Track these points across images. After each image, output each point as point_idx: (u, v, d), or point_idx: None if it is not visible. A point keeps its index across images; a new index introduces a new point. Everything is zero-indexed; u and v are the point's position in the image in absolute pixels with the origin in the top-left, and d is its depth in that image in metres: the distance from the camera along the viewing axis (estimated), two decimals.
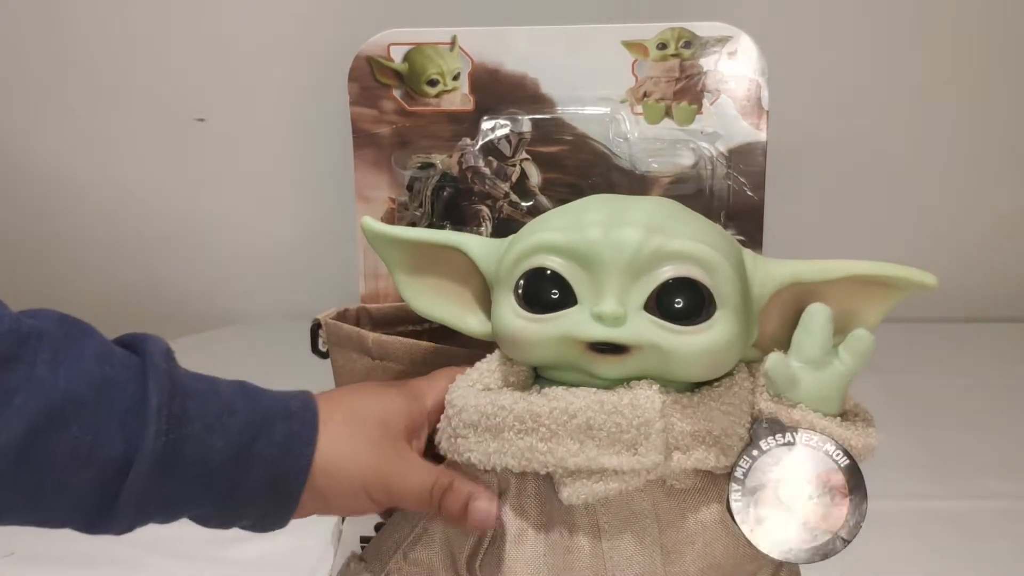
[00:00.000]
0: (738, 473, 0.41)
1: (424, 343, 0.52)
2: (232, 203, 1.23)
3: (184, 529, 0.72)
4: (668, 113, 0.57)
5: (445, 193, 0.59)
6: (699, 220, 0.44)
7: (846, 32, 0.80)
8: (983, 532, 0.71)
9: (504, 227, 0.57)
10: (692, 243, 0.40)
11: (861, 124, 0.81)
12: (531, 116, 0.58)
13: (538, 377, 0.45)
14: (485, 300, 0.46)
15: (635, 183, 0.58)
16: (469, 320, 0.47)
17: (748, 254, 0.44)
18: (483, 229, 0.59)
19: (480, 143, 0.59)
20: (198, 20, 1.14)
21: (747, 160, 0.56)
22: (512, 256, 0.43)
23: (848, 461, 0.41)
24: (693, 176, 0.57)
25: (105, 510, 0.38)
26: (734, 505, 0.41)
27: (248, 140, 1.17)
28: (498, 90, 0.58)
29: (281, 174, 1.20)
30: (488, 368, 0.44)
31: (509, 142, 0.58)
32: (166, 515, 0.41)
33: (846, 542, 0.40)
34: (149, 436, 0.37)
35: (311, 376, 0.59)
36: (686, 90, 0.57)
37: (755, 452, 0.41)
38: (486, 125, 0.59)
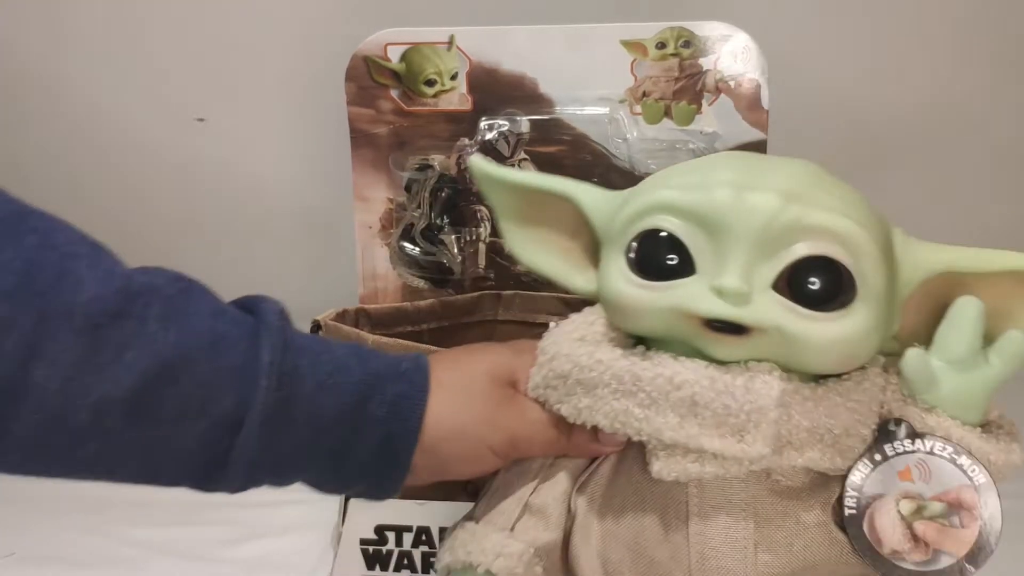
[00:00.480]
0: (855, 478, 0.37)
1: (422, 345, 0.52)
2: (230, 203, 1.24)
3: (184, 529, 0.72)
4: (667, 113, 0.57)
5: (443, 193, 0.59)
6: (846, 190, 0.37)
7: (846, 31, 0.80)
8: None
9: None
10: (837, 217, 0.35)
11: (861, 123, 0.81)
12: (529, 116, 0.58)
13: (640, 342, 0.40)
14: (595, 256, 0.42)
15: (634, 182, 0.57)
16: (576, 278, 0.42)
17: (898, 234, 0.39)
18: (482, 229, 0.59)
19: (478, 143, 0.59)
20: (196, 20, 1.14)
21: None
22: (627, 213, 0.38)
23: (984, 479, 0.36)
24: None
25: (217, 467, 0.38)
26: (847, 513, 0.37)
27: (245, 140, 1.17)
28: (496, 90, 0.58)
29: (278, 174, 1.20)
30: (586, 320, 0.40)
31: (508, 142, 0.58)
32: (278, 476, 0.40)
33: (969, 570, 0.36)
34: (260, 391, 0.37)
35: None
36: (685, 90, 0.56)
37: (877, 457, 0.37)
38: (484, 125, 0.59)
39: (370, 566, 0.56)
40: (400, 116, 0.58)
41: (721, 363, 0.36)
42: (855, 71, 0.80)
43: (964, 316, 0.37)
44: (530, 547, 0.40)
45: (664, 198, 0.37)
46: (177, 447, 0.37)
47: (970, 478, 0.36)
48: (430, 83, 0.58)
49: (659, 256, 0.36)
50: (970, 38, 0.79)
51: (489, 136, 0.58)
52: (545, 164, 0.58)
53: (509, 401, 0.41)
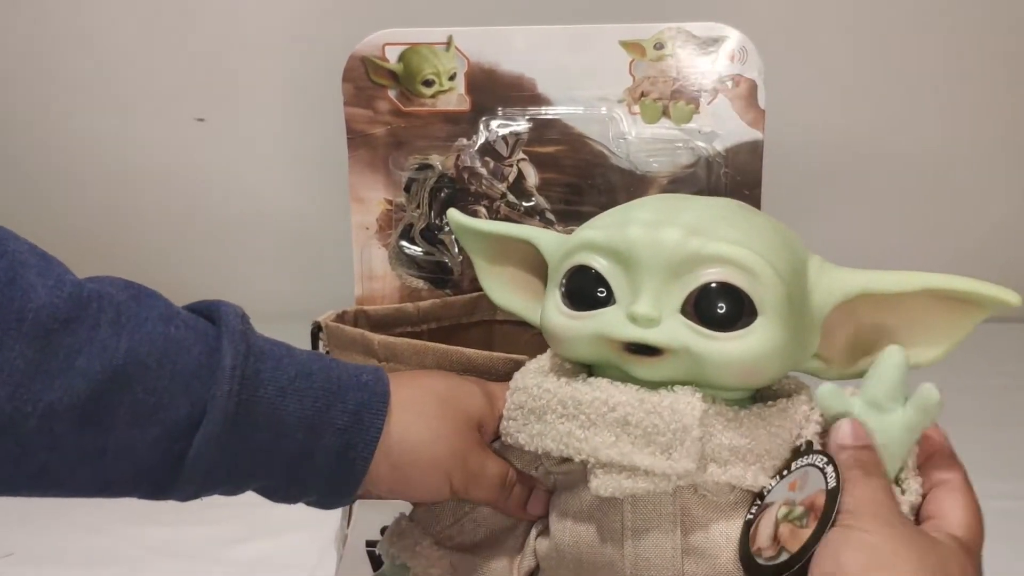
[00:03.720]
0: (764, 491, 0.40)
1: (432, 344, 0.52)
2: (227, 203, 1.23)
3: (184, 529, 0.72)
4: (665, 113, 0.57)
5: (443, 194, 0.59)
6: (755, 224, 0.41)
7: (844, 31, 0.80)
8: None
9: None
10: (733, 247, 0.39)
11: (858, 123, 0.81)
12: (528, 116, 0.58)
13: (588, 371, 0.44)
14: None
15: (634, 183, 0.58)
16: (538, 312, 0.46)
17: (815, 261, 0.42)
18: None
19: (477, 143, 0.59)
20: (195, 20, 1.13)
21: (744, 159, 0.56)
22: (562, 251, 0.42)
23: (835, 485, 0.38)
24: (691, 175, 0.57)
25: (170, 474, 0.38)
26: (745, 519, 0.40)
27: (242, 140, 1.17)
28: (495, 90, 0.58)
29: (275, 175, 1.20)
30: (547, 354, 0.44)
31: (506, 142, 0.58)
32: (233, 483, 0.40)
33: (790, 567, 0.37)
34: (221, 396, 0.37)
35: None
36: (683, 90, 0.56)
37: (785, 472, 0.40)
38: (483, 126, 0.59)
39: (376, 567, 0.55)
40: (398, 117, 0.58)
41: (651, 386, 0.40)
42: (853, 70, 0.80)
43: (888, 364, 0.39)
44: (458, 560, 0.44)
45: (587, 237, 0.41)
46: (129, 455, 0.36)
47: (826, 482, 0.38)
48: (428, 83, 0.58)
49: (584, 289, 0.41)
50: (969, 37, 0.79)
51: (490, 136, 0.58)
52: (544, 164, 0.58)
53: (476, 441, 0.43)
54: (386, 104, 0.58)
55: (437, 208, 0.59)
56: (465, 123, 0.58)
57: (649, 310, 0.38)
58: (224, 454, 0.38)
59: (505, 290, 0.48)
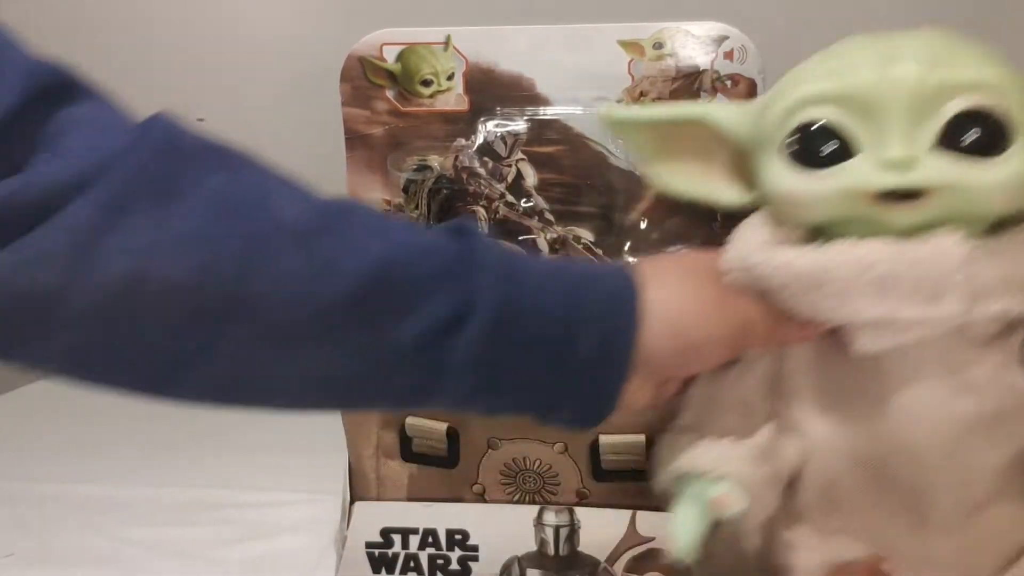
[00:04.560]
0: None
1: None
2: None
3: (184, 529, 0.73)
4: None
5: (441, 194, 0.59)
6: (980, 48, 0.40)
7: (844, 31, 0.80)
8: None
9: (500, 228, 0.57)
10: (981, 70, 0.38)
11: None
12: (527, 116, 0.58)
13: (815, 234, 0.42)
14: (736, 170, 0.45)
15: (633, 183, 0.58)
16: (725, 193, 0.45)
17: None
18: (480, 230, 0.59)
19: (476, 144, 0.59)
20: (193, 20, 1.13)
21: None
22: (776, 114, 0.40)
23: None
24: None
25: (434, 375, 0.37)
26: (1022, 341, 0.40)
27: (240, 140, 1.17)
28: (493, 90, 0.57)
29: None
30: (754, 226, 0.43)
31: (504, 142, 0.58)
32: (493, 390, 0.39)
33: None
34: (488, 288, 0.37)
35: None
36: (683, 90, 0.56)
37: None
38: (482, 126, 0.58)
39: (376, 570, 0.56)
40: (396, 117, 0.58)
41: (900, 234, 0.38)
42: None
43: None
44: (750, 449, 0.43)
45: (812, 91, 0.39)
46: (395, 352, 0.37)
47: None
48: (426, 83, 0.58)
49: (818, 145, 0.39)
50: (970, 37, 0.79)
51: (489, 136, 0.58)
52: (543, 164, 0.58)
53: (732, 293, 0.42)
54: (384, 104, 0.58)
55: (436, 209, 0.59)
56: (463, 123, 0.58)
57: (906, 151, 0.37)
58: (490, 352, 0.37)
59: (683, 179, 0.46)
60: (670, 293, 0.40)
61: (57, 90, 0.34)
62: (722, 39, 0.55)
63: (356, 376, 0.38)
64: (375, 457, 0.56)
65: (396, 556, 0.55)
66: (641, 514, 0.53)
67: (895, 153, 0.37)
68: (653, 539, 0.53)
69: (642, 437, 0.52)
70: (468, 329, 0.37)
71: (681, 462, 0.43)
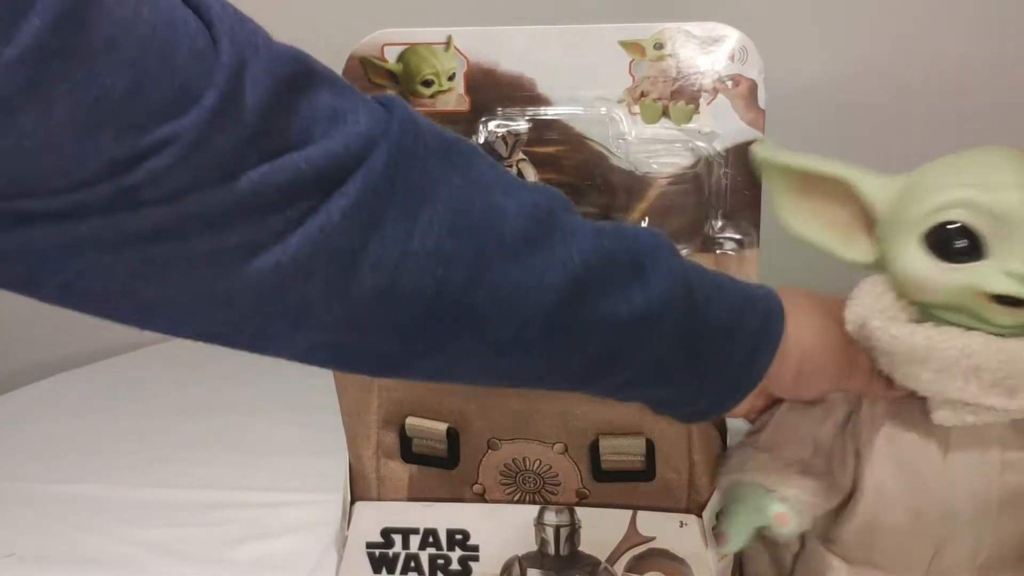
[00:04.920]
0: None
1: None
2: None
3: (184, 529, 0.73)
4: (665, 113, 0.57)
5: None
6: None
7: (843, 31, 0.80)
8: None
9: None
10: None
11: (856, 123, 0.81)
12: (528, 116, 0.58)
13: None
14: (863, 228, 0.50)
15: (634, 183, 0.58)
16: (851, 249, 0.50)
17: None
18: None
19: (477, 144, 0.59)
20: None
21: (744, 159, 0.56)
22: (925, 207, 0.46)
23: None
24: (691, 175, 0.57)
25: (605, 368, 0.41)
26: None
27: None
28: (494, 90, 0.58)
29: None
30: (876, 292, 0.48)
31: (505, 142, 0.58)
32: (647, 384, 0.44)
33: None
34: (675, 297, 0.41)
35: (307, 377, 0.58)
36: (683, 90, 0.56)
37: None
38: (483, 126, 0.59)
39: (376, 570, 0.56)
40: None
41: (998, 332, 0.45)
42: (852, 70, 0.80)
43: None
44: (812, 482, 0.49)
45: (961, 196, 0.45)
46: (584, 351, 0.40)
47: None
48: (427, 84, 0.58)
49: (956, 243, 0.45)
50: (972, 37, 0.79)
51: (489, 136, 0.58)
52: (544, 164, 0.58)
53: (850, 340, 0.48)
54: None
55: None
56: (464, 123, 0.58)
57: None
58: (664, 351, 0.42)
59: (806, 223, 0.51)
60: (801, 326, 0.46)
61: (300, 79, 0.34)
62: (722, 39, 0.55)
63: (541, 371, 0.41)
64: (375, 458, 0.56)
65: (397, 556, 0.56)
66: (641, 514, 0.53)
67: (1021, 268, 0.44)
68: (653, 539, 0.53)
69: (642, 439, 0.52)
70: (654, 331, 0.41)
71: (752, 474, 0.49)
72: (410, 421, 0.54)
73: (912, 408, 0.49)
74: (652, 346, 0.42)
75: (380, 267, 0.35)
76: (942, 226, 0.45)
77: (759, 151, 0.51)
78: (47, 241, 0.30)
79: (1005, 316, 0.45)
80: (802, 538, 0.54)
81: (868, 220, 0.50)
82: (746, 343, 0.44)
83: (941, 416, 0.47)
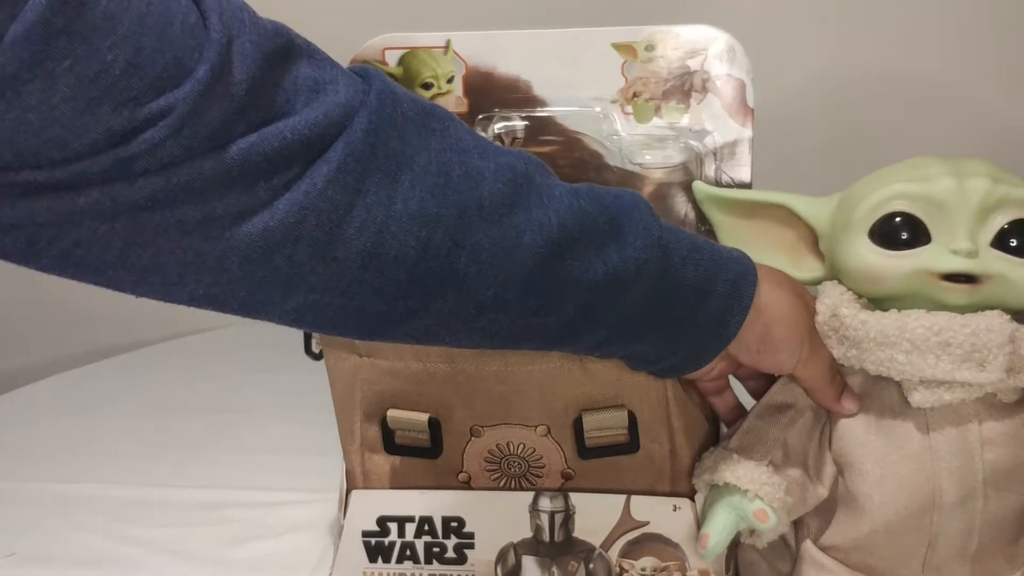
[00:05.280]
0: None
1: None
2: None
3: (184, 529, 0.73)
4: (657, 112, 0.58)
5: None
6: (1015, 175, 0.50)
7: (832, 32, 0.82)
8: None
9: None
10: None
11: (847, 121, 0.82)
12: (524, 117, 0.59)
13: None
14: (809, 248, 0.54)
15: (627, 180, 0.59)
16: (800, 268, 0.54)
17: None
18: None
19: None
20: None
21: (734, 157, 0.57)
22: (866, 205, 0.49)
23: None
24: (682, 172, 0.59)
25: (588, 325, 0.43)
26: None
27: None
28: (491, 92, 0.59)
29: None
30: (842, 290, 0.50)
31: (502, 142, 0.59)
32: (625, 342, 0.45)
33: None
34: (650, 258, 0.42)
35: (307, 376, 0.59)
36: (674, 90, 0.58)
37: None
38: (480, 128, 0.60)
39: (372, 558, 0.56)
40: None
41: (957, 311, 0.47)
42: (841, 70, 0.81)
43: None
44: (784, 480, 0.50)
45: (902, 189, 0.48)
46: (561, 310, 0.42)
47: None
48: (427, 86, 0.59)
49: (901, 232, 0.48)
50: (966, 36, 0.80)
51: (492, 135, 0.60)
52: None
53: (816, 330, 0.50)
54: None
55: None
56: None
57: (971, 245, 0.46)
58: (638, 309, 0.44)
59: (755, 245, 0.53)
60: (772, 295, 0.48)
61: (283, 52, 0.35)
62: (712, 41, 0.57)
63: (521, 330, 0.43)
64: (360, 452, 0.56)
65: (392, 544, 0.55)
66: (635, 499, 0.53)
67: (963, 245, 0.46)
68: (647, 524, 0.53)
69: (624, 411, 0.52)
70: (629, 291, 0.42)
71: (726, 475, 0.51)
72: (391, 413, 0.54)
73: (885, 401, 0.50)
74: (627, 305, 0.43)
75: (364, 230, 0.36)
76: (885, 218, 0.48)
77: (700, 188, 0.55)
78: (48, 212, 0.32)
79: (958, 295, 0.47)
80: (799, 545, 0.54)
81: (813, 239, 0.53)
82: (718, 304, 0.46)
83: (918, 398, 0.48)
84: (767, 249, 0.54)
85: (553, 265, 0.41)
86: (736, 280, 0.46)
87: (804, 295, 0.51)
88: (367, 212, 0.36)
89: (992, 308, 0.47)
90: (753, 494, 0.50)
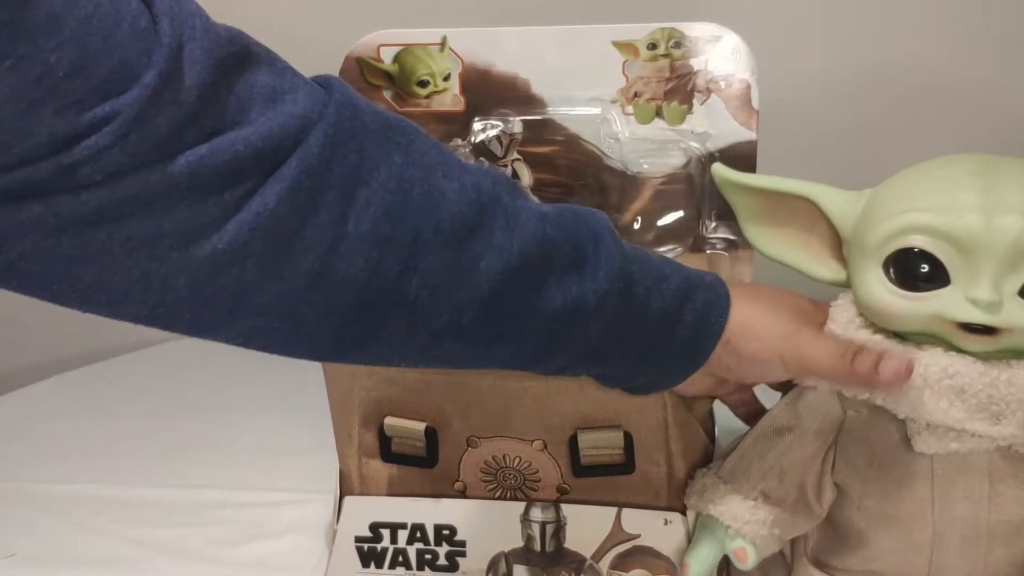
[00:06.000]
0: None
1: None
2: None
3: (184, 529, 0.73)
4: (658, 113, 0.57)
5: None
6: None
7: (837, 31, 0.80)
8: None
9: None
10: None
11: (851, 123, 0.81)
12: (522, 117, 0.58)
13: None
14: (833, 247, 0.49)
15: (626, 183, 0.58)
16: (819, 268, 0.49)
17: None
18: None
19: (471, 144, 0.59)
20: None
21: (737, 160, 0.56)
22: (882, 233, 0.44)
23: None
24: (684, 176, 0.57)
25: (549, 354, 0.42)
26: None
27: None
28: (489, 91, 0.58)
29: None
30: (849, 317, 0.47)
31: (500, 143, 0.59)
32: (590, 365, 0.45)
33: None
34: (610, 291, 0.41)
35: (307, 376, 0.59)
36: (676, 90, 0.57)
37: None
38: (477, 126, 0.59)
39: (365, 564, 0.56)
40: None
41: (979, 357, 0.43)
42: (846, 70, 0.80)
43: None
44: (771, 514, 0.49)
45: (919, 222, 0.43)
46: (519, 340, 0.41)
47: None
48: (423, 84, 0.59)
49: (916, 270, 0.43)
50: (971, 36, 0.79)
51: (485, 136, 0.59)
52: (538, 164, 0.59)
53: (807, 324, 0.46)
54: (382, 105, 0.59)
55: None
56: (459, 123, 0.59)
57: (993, 295, 0.41)
58: (599, 339, 0.42)
59: (778, 244, 0.49)
60: (747, 313, 0.46)
61: (237, 59, 0.34)
62: (715, 40, 0.56)
63: (479, 359, 0.42)
64: (357, 456, 0.56)
65: (385, 551, 0.55)
66: (626, 511, 0.53)
67: (984, 296, 0.41)
68: (638, 536, 0.53)
69: (620, 432, 0.52)
70: (591, 322, 0.41)
71: (710, 508, 0.50)
72: (388, 421, 0.54)
73: (893, 436, 0.47)
74: (589, 334, 0.42)
75: (313, 250, 0.35)
76: (901, 253, 0.43)
77: (719, 171, 0.50)
78: None
79: (974, 343, 0.43)
80: (795, 559, 0.53)
81: (836, 240, 0.48)
82: (686, 332, 0.44)
83: (923, 443, 0.44)
84: (789, 247, 0.49)
85: (511, 293, 0.39)
86: (705, 307, 0.45)
87: (786, 300, 0.48)
88: (318, 231, 0.35)
89: (1019, 355, 0.43)
90: (735, 531, 0.48)
